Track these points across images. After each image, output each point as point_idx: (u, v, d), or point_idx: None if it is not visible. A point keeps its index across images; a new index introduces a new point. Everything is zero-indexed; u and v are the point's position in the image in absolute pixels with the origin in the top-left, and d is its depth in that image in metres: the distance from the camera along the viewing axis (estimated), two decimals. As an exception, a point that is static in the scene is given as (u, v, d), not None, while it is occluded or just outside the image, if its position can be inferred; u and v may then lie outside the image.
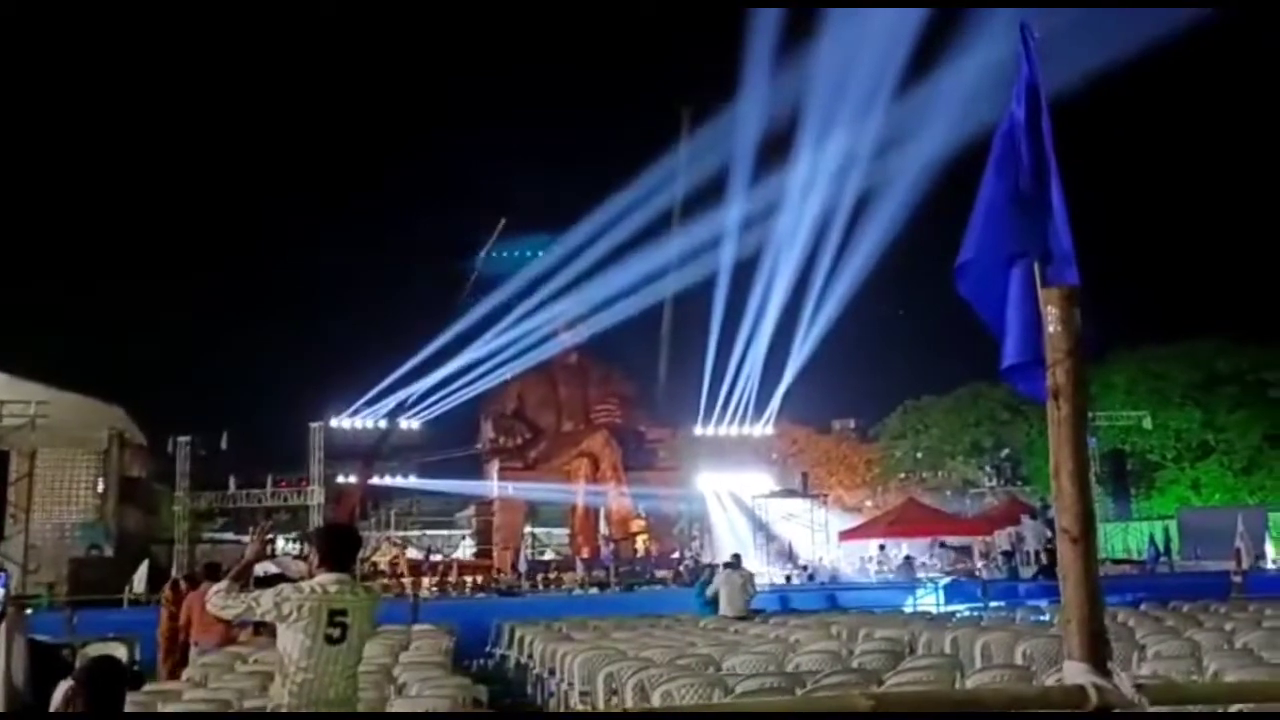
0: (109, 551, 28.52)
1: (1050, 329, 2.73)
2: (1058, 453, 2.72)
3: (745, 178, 37.07)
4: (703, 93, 38.08)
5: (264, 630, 8.53)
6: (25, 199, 46.89)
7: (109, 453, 31.18)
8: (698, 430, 38.95)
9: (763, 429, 40.75)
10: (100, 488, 30.66)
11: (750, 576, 17.53)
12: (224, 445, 35.90)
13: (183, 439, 33.89)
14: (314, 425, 34.72)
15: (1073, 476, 2.70)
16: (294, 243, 54.46)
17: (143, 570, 24.82)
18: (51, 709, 5.68)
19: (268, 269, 53.31)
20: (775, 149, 36.69)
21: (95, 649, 11.73)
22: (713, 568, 20.22)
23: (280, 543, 24.38)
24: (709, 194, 38.20)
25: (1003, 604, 19.59)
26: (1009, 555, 28.53)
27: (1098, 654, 2.60)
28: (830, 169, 36.41)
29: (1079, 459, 2.71)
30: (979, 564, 30.41)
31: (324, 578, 5.22)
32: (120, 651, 12.07)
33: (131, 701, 6.78)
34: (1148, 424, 38.80)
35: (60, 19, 46.57)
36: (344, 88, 53.10)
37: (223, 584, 5.42)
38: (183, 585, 14.00)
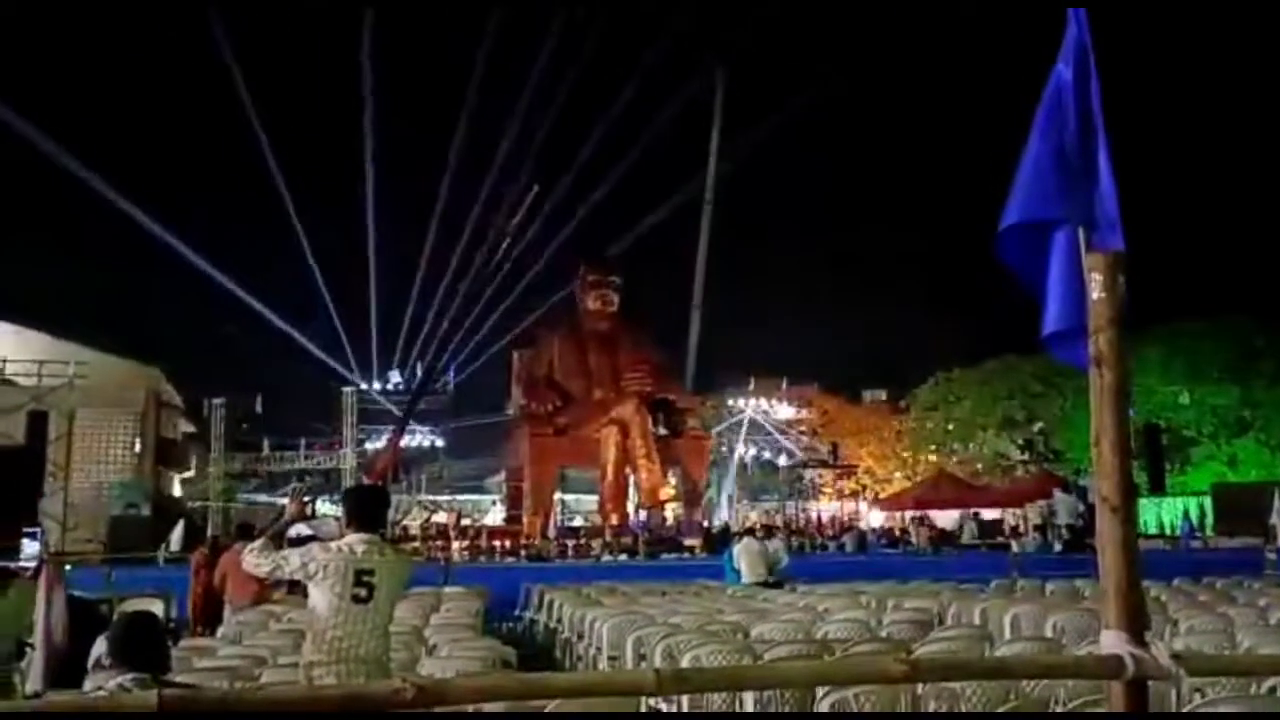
0: (145, 511, 28.92)
1: (1094, 295, 2.68)
2: (1099, 421, 2.68)
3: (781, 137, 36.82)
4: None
5: (298, 589, 8.63)
6: (68, 163, 47.32)
7: (146, 413, 31.59)
8: (729, 399, 38.94)
9: (794, 398, 40.69)
10: (137, 448, 31.08)
11: (776, 544, 17.54)
12: (258, 408, 36.33)
13: (218, 401, 34.30)
14: (346, 389, 35.06)
15: (1114, 445, 2.66)
16: (329, 209, 54.80)
17: (179, 529, 25.18)
18: (90, 664, 5.77)
19: (304, 235, 53.64)
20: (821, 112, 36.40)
21: (132, 605, 11.91)
22: (740, 534, 20.22)
23: (320, 505, 24.63)
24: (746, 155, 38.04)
25: (1033, 576, 19.47)
26: (1043, 529, 28.39)
27: (1135, 624, 2.56)
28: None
29: (1120, 428, 2.67)
30: (1010, 536, 30.30)
31: (352, 538, 5.28)
32: (157, 607, 12.24)
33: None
34: (1184, 399, 38.36)
35: None
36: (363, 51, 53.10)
37: (257, 543, 5.53)
38: (220, 543, 14.15)
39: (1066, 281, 2.77)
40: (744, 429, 40.29)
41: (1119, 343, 2.67)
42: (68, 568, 10.70)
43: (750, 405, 40.78)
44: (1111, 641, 2.56)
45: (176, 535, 24.72)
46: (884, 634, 8.94)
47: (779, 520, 34.59)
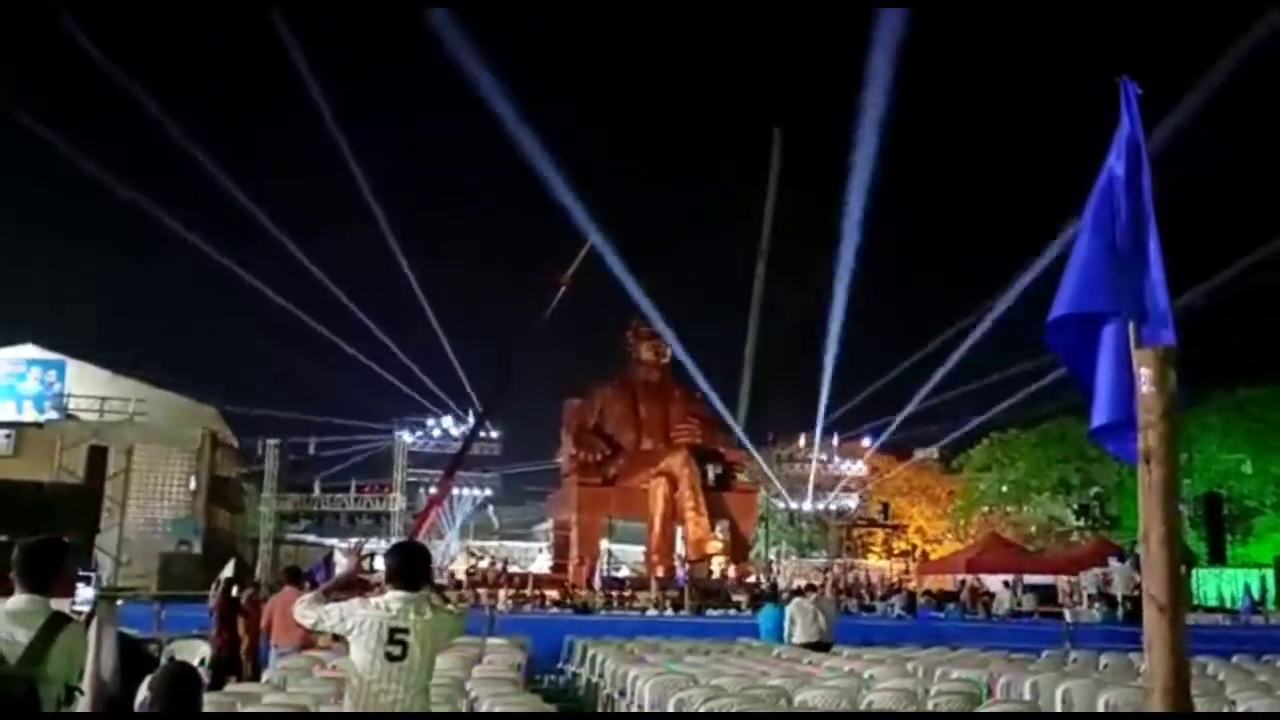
0: (197, 548, 29.27)
1: (1143, 390, 2.66)
2: (1147, 517, 2.65)
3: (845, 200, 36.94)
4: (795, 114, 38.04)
5: (342, 639, 8.72)
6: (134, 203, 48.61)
7: (202, 451, 32.09)
8: (778, 453, 38.69)
9: (844, 455, 40.35)
10: (192, 485, 31.54)
11: (825, 605, 17.24)
12: (311, 450, 36.69)
13: (272, 441, 34.76)
14: (398, 434, 35.34)
15: (1163, 542, 2.63)
16: (383, 254, 55.63)
17: (229, 568, 25.37)
18: (136, 705, 5.83)
19: (361, 279, 54.49)
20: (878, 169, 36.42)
21: (179, 646, 12.04)
22: (791, 593, 19.91)
23: (380, 561, 24.76)
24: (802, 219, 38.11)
25: (1086, 647, 19.01)
26: (1104, 598, 27.71)
27: (1181, 730, 2.51)
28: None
29: (1170, 525, 2.64)
30: (1064, 604, 29.61)
31: (390, 595, 5.35)
32: (204, 649, 12.37)
33: (213, 701, 6.95)
34: (1247, 468, 37.47)
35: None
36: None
37: (309, 594, 5.64)
38: (262, 591, 14.25)
39: (1116, 374, 2.76)
40: (792, 483, 39.99)
41: (1169, 438, 2.65)
42: (119, 603, 10.81)
43: (800, 459, 40.52)
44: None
45: (226, 574, 24.94)
46: (930, 705, 8.78)
47: (827, 578, 34.18)
